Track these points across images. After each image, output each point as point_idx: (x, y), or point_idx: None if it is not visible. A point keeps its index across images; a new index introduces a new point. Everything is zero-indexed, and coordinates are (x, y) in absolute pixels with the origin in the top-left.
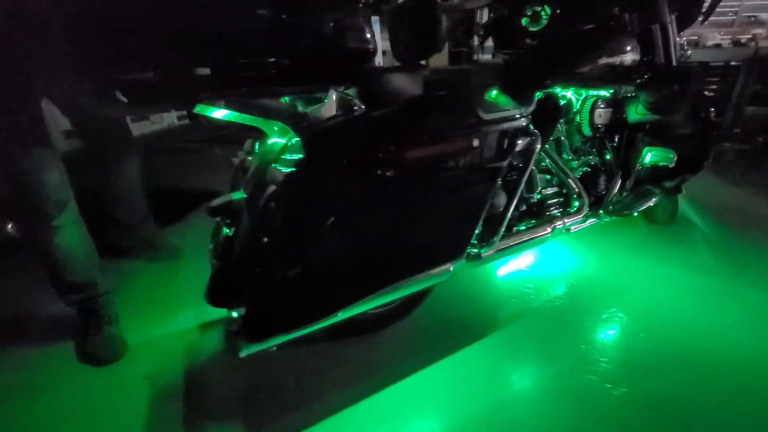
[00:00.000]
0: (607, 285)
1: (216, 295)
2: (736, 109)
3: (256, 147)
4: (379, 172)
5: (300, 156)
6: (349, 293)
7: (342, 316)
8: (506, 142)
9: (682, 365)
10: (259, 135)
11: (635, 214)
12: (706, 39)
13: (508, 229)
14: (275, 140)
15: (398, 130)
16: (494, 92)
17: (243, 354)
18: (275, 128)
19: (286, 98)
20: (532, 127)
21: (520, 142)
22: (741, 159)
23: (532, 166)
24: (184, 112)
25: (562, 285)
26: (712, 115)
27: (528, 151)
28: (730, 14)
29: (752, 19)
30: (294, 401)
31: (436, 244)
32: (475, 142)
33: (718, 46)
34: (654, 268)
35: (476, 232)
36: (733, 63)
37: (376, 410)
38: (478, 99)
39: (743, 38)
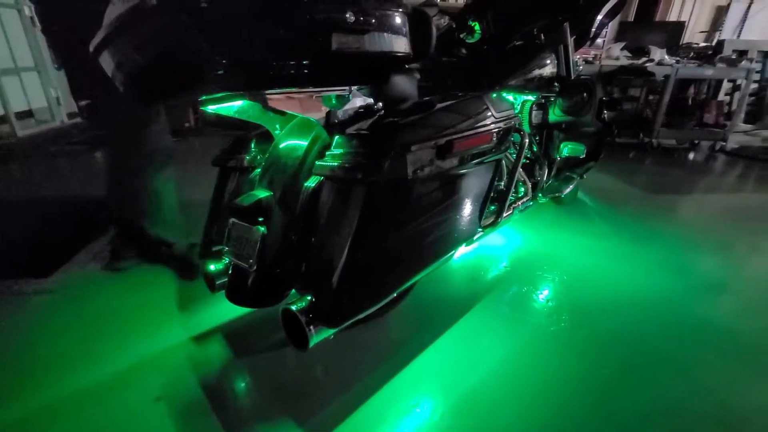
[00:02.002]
0: (545, 253)
1: (243, 295)
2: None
3: (253, 146)
4: (427, 167)
5: (351, 153)
6: (401, 274)
7: (395, 293)
8: (510, 135)
9: (618, 305)
10: (249, 135)
11: (563, 195)
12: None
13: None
14: (294, 140)
15: (443, 126)
16: (497, 95)
17: (312, 343)
18: (278, 125)
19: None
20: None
21: (517, 134)
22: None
23: (521, 158)
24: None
25: (509, 258)
26: (607, 117)
27: (522, 141)
28: None
29: (591, 45)
30: (331, 391)
31: (462, 226)
32: (495, 135)
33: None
34: (571, 238)
35: (484, 214)
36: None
37: (405, 386)
38: (490, 100)
39: (589, 57)
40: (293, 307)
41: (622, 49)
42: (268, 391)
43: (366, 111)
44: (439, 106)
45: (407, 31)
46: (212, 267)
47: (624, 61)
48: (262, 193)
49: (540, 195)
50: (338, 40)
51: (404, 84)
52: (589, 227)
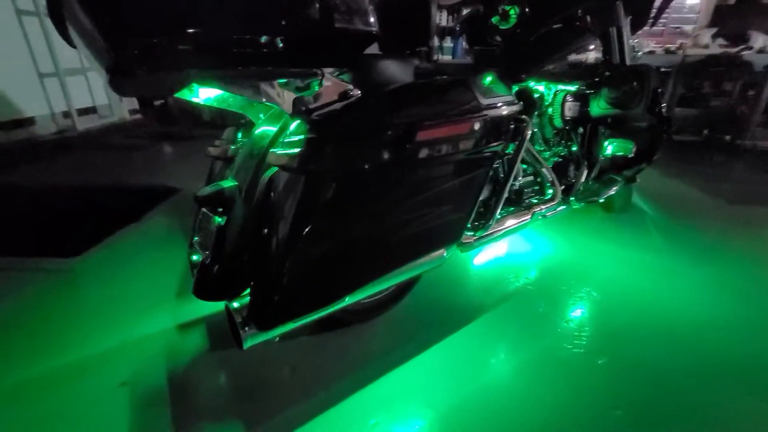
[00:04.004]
0: (578, 267)
1: (206, 289)
2: (668, 109)
3: (239, 136)
4: (386, 157)
5: (301, 140)
6: (354, 278)
7: (349, 300)
8: (503, 124)
9: (651, 333)
10: (240, 124)
11: (601, 200)
12: (641, 46)
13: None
14: (265, 128)
15: (406, 114)
16: (489, 78)
17: (247, 345)
18: (261, 115)
19: (282, 81)
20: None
21: (514, 125)
22: (682, 153)
23: (523, 150)
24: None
25: (537, 269)
26: (665, 110)
27: (521, 135)
28: (659, 25)
29: (678, 29)
30: (290, 394)
31: (437, 228)
32: (476, 125)
33: (652, 53)
34: (615, 251)
35: (472, 216)
36: (663, 69)
37: (370, 401)
38: (475, 83)
39: (672, 47)
40: (232, 305)
41: (714, 35)
42: (229, 388)
43: (338, 98)
44: (410, 90)
45: (372, 9)
46: (193, 257)
47: (715, 50)
48: (227, 183)
49: (573, 199)
50: (300, 13)
51: (391, 71)
52: (639, 239)
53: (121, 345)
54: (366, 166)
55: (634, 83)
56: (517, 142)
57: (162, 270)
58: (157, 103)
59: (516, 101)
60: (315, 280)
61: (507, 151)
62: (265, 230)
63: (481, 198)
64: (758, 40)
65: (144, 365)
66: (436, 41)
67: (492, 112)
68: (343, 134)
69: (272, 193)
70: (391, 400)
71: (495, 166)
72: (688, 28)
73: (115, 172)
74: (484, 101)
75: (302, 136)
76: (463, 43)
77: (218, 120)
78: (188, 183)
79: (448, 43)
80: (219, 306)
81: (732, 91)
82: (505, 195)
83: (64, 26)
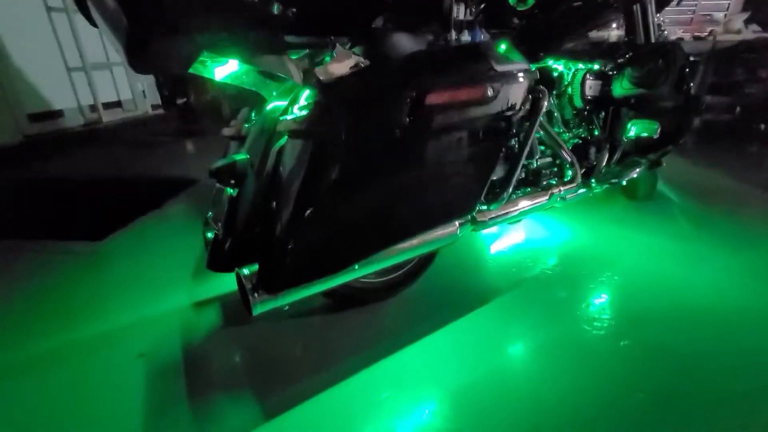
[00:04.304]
0: (600, 253)
1: (219, 260)
2: (700, 87)
3: (253, 115)
4: (395, 122)
5: (309, 104)
6: (363, 246)
7: (360, 270)
8: (517, 93)
9: (677, 318)
10: (255, 104)
11: (623, 183)
12: (669, 34)
13: (510, 195)
14: (277, 103)
15: (416, 78)
16: (504, 45)
17: (256, 312)
18: (274, 92)
19: (294, 55)
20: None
21: (529, 95)
22: (713, 143)
23: (539, 123)
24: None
25: (557, 255)
26: (693, 89)
27: (537, 106)
28: (688, 12)
29: (708, 17)
30: (302, 369)
31: (448, 199)
32: (490, 92)
33: (680, 39)
34: (639, 238)
35: (485, 190)
36: (692, 57)
37: (382, 376)
38: (489, 50)
39: (702, 34)
40: (243, 272)
41: (747, 20)
42: (242, 362)
43: (349, 70)
44: (421, 55)
45: None
46: (208, 235)
47: (748, 35)
48: (239, 156)
49: (594, 182)
50: None
51: (404, 45)
52: (665, 227)
53: (141, 320)
54: (373, 131)
55: (660, 61)
56: (532, 113)
57: (181, 251)
58: (180, 101)
59: (531, 69)
60: (323, 244)
61: (522, 123)
62: (275, 197)
63: (495, 171)
64: None
65: (161, 339)
66: (453, 35)
67: (506, 80)
68: (351, 98)
69: (282, 162)
70: (403, 376)
71: (510, 137)
72: (719, 15)
73: (138, 163)
74: (498, 68)
75: (310, 101)
76: (481, 35)
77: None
78: (207, 175)
79: (465, 36)
80: (234, 285)
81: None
82: (520, 168)
83: (85, 4)
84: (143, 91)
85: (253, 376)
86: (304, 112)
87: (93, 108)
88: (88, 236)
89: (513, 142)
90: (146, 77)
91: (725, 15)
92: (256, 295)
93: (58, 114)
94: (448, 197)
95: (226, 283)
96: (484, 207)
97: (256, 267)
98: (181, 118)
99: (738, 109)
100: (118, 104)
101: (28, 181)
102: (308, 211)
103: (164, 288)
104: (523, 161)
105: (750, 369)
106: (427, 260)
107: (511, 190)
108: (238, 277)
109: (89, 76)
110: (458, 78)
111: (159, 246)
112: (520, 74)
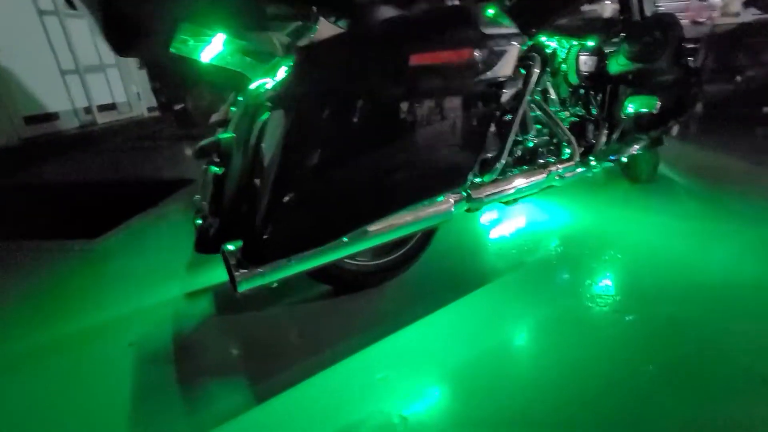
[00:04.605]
0: (603, 233)
1: (206, 241)
2: (704, 58)
3: (239, 98)
4: (376, 88)
5: (288, 75)
6: (349, 217)
7: (350, 247)
8: (507, 58)
9: (687, 292)
10: (240, 87)
11: (623, 159)
12: None
13: (505, 172)
14: (261, 81)
15: (399, 37)
16: (492, 9)
17: (241, 288)
18: (260, 72)
19: (277, 29)
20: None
21: (520, 61)
22: (717, 128)
23: (534, 100)
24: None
25: (559, 237)
26: (691, 61)
27: (528, 74)
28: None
29: (705, 2)
30: (296, 353)
31: (438, 168)
32: (476, 55)
33: None
34: (643, 217)
35: (477, 160)
36: (690, 46)
37: (377, 358)
38: (476, 12)
39: (700, 19)
40: (227, 247)
41: (746, 3)
42: (234, 348)
43: None
44: (404, 16)
45: None
46: (197, 222)
47: (747, 17)
48: (224, 135)
49: (593, 160)
50: None
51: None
52: (670, 206)
53: (133, 311)
54: (353, 96)
55: (656, 33)
56: (524, 82)
57: (175, 246)
58: (178, 107)
59: (521, 33)
60: (307, 215)
61: (513, 91)
62: (259, 168)
63: (487, 142)
64: None
65: (153, 328)
66: None
67: (494, 44)
68: (328, 62)
69: (264, 136)
70: (399, 356)
71: (501, 106)
72: (716, 0)
73: (134, 164)
74: (485, 30)
75: (287, 70)
76: None
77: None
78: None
79: None
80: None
81: None
82: (512, 138)
83: None
84: (138, 94)
85: (244, 361)
86: (282, 81)
87: (88, 110)
88: (84, 234)
89: (505, 111)
90: (140, 79)
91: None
92: (241, 271)
93: (53, 116)
94: (438, 167)
95: (219, 275)
96: (478, 179)
97: (241, 243)
98: (178, 124)
99: (737, 86)
100: (113, 107)
101: (25, 182)
102: (289, 181)
103: (158, 281)
104: (515, 130)
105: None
106: (423, 242)
107: (503, 161)
108: (224, 254)
109: (83, 79)
110: (443, 41)
111: (154, 242)
112: (510, 39)
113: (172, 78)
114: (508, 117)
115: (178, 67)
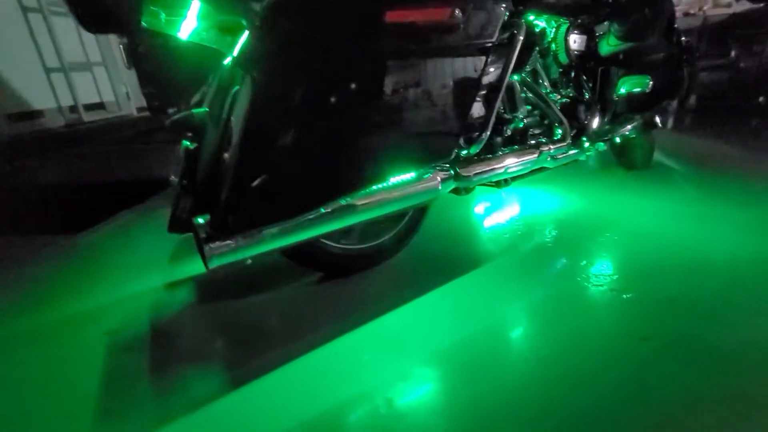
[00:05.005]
0: (599, 217)
1: (179, 220)
2: (691, 75)
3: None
4: (349, 45)
5: (254, 28)
6: (326, 188)
7: (330, 222)
8: (491, 21)
9: (685, 270)
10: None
11: (617, 140)
12: None
13: (496, 151)
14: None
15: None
16: None
17: (212, 264)
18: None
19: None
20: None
21: (503, 23)
22: (713, 119)
23: (514, 59)
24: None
25: (554, 221)
26: (684, 39)
27: (513, 40)
28: None
29: None
30: (278, 338)
31: (420, 138)
32: (456, 13)
33: None
34: (640, 202)
35: (461, 131)
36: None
37: (364, 340)
38: None
39: (692, 10)
40: (197, 220)
41: None
42: (214, 334)
43: None
44: None
45: None
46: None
47: (738, 8)
48: (197, 110)
49: (586, 140)
50: None
51: None
52: (665, 191)
53: (112, 302)
54: (324, 54)
55: (646, 11)
56: (509, 48)
57: (159, 240)
58: (172, 111)
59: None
60: (276, 182)
61: (498, 58)
62: (228, 140)
63: (472, 113)
64: None
65: (131, 318)
66: None
67: (476, 4)
68: (298, 15)
69: (235, 105)
70: (386, 339)
71: (485, 73)
72: None
73: (122, 163)
74: None
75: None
76: None
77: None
78: None
79: None
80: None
81: (763, 52)
82: (497, 107)
83: None
84: (127, 93)
85: (221, 347)
86: (248, 40)
87: (74, 109)
88: (67, 230)
89: (489, 81)
90: (130, 79)
91: None
92: (211, 246)
93: (38, 114)
94: (419, 136)
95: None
96: (464, 152)
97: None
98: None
99: (731, 76)
100: (101, 106)
101: (6, 179)
102: (254, 147)
103: (139, 273)
104: (500, 98)
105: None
106: (413, 223)
107: (488, 132)
108: (194, 229)
109: (68, 77)
110: None
111: (138, 236)
112: (494, 3)
113: (158, 74)
114: (493, 86)
115: (157, 52)
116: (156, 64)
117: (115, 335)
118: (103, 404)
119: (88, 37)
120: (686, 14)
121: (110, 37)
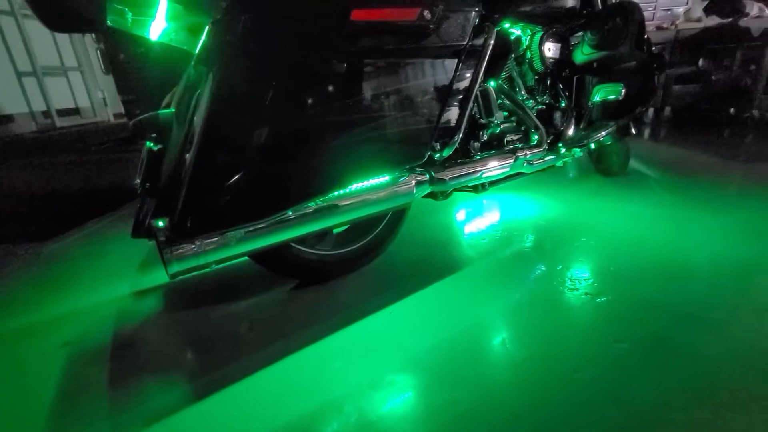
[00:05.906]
0: (576, 222)
1: (141, 224)
2: (665, 87)
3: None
4: (315, 41)
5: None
6: (293, 190)
7: (300, 226)
8: (461, 23)
9: (661, 273)
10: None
11: (591, 146)
12: None
13: (472, 156)
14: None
15: None
16: None
17: (172, 270)
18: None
19: None
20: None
21: (474, 25)
22: (685, 130)
23: (485, 59)
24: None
25: (531, 226)
26: (653, 48)
27: (484, 43)
28: (650, 8)
29: (669, 12)
30: (247, 346)
31: (392, 138)
32: (426, 14)
33: None
34: (617, 207)
35: (434, 134)
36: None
37: (335, 347)
38: None
39: (664, 24)
40: (157, 223)
41: (706, 8)
42: (179, 343)
43: None
44: None
45: None
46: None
47: (709, 23)
48: (163, 111)
49: (562, 146)
50: None
51: None
52: (642, 197)
53: (72, 312)
54: (288, 48)
55: (617, 19)
56: (481, 51)
57: (128, 248)
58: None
59: (475, 3)
60: (238, 182)
61: (468, 61)
62: (192, 138)
63: (445, 115)
64: (753, 7)
65: (92, 328)
66: None
67: (446, 5)
68: (259, 7)
69: (199, 104)
70: (359, 346)
71: (457, 75)
72: (679, 10)
73: (95, 171)
74: None
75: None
76: None
77: None
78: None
79: None
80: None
81: (732, 65)
82: (469, 110)
83: None
84: (104, 99)
85: (186, 356)
86: (209, 33)
87: (47, 114)
88: (32, 239)
89: (461, 83)
90: (106, 84)
91: (683, 9)
92: (171, 249)
93: (7, 119)
94: (388, 137)
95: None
96: (437, 155)
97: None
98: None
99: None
100: (75, 111)
101: None
102: (217, 144)
103: (104, 282)
104: (472, 98)
105: (740, 312)
106: (390, 229)
107: (461, 134)
108: (154, 233)
109: (40, 81)
110: None
111: (105, 245)
112: (464, 5)
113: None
114: (465, 90)
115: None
116: (135, 71)
117: (73, 346)
118: (56, 419)
119: (64, 41)
120: (659, 28)
121: (87, 42)
